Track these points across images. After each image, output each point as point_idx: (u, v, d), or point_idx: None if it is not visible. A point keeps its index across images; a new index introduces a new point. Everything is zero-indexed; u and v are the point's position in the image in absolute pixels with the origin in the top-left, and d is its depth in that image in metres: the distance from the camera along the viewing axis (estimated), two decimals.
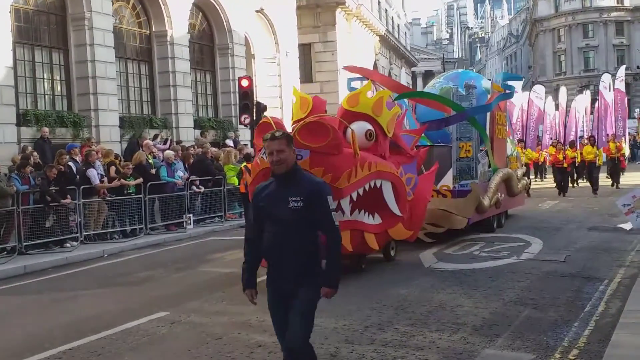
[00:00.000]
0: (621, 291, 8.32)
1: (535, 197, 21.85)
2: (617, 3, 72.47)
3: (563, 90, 36.32)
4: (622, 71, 36.26)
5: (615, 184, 24.58)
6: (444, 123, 13.48)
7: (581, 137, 30.37)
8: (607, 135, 30.27)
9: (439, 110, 13.23)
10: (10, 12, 17.62)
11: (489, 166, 14.29)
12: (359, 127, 9.63)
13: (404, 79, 55.34)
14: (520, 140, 25.69)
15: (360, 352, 6.20)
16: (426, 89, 17.21)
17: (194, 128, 24.38)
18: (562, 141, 28.05)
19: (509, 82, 15.84)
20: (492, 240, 12.87)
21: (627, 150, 32.61)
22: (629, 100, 60.56)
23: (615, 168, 25.30)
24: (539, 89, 33.71)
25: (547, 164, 28.31)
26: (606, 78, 34.91)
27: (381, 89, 11.99)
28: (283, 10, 31.68)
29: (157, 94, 23.70)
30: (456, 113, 13.12)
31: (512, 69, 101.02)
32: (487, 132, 14.23)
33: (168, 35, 23.46)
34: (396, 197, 10.00)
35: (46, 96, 19.56)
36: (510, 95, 15.44)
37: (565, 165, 23.27)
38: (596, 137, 27.99)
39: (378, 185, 9.60)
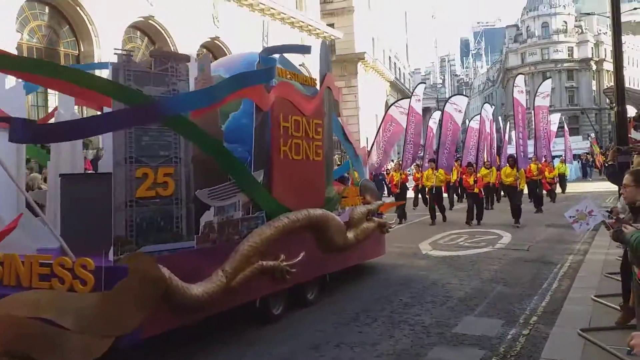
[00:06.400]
0: (570, 273, 8.17)
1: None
2: (568, 56, 71.69)
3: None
4: (545, 85, 21.57)
5: (536, 209, 17.31)
6: (71, 131, 4.56)
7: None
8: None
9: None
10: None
11: (253, 210, 5.76)
12: None
13: None
14: (431, 160, 16.73)
15: (374, 317, 6.21)
16: None
17: None
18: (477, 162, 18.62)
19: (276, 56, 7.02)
20: (474, 234, 12.70)
21: (566, 171, 25.54)
22: (577, 129, 59.76)
23: (534, 192, 18.05)
24: (459, 100, 20.13)
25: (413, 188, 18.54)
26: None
27: None
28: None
29: None
30: (124, 108, 4.45)
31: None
32: (254, 147, 5.94)
33: None
34: None
35: None
36: (265, 76, 5.97)
37: (476, 190, 14.78)
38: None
39: None
